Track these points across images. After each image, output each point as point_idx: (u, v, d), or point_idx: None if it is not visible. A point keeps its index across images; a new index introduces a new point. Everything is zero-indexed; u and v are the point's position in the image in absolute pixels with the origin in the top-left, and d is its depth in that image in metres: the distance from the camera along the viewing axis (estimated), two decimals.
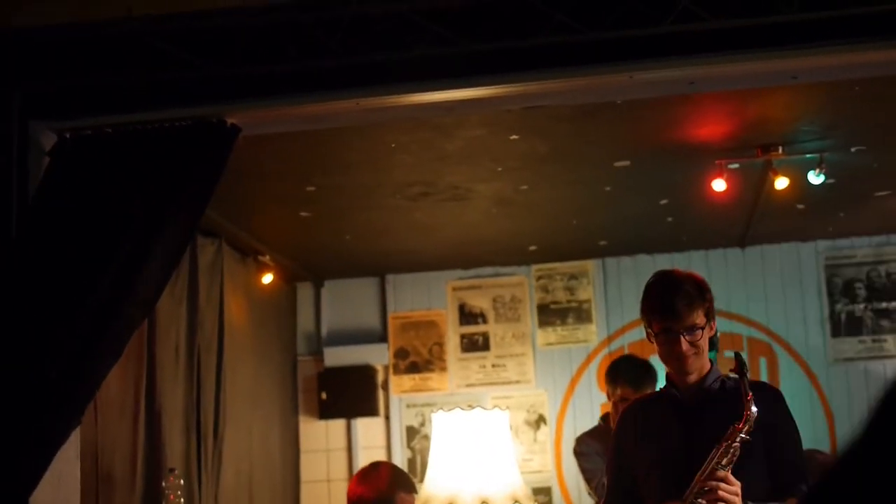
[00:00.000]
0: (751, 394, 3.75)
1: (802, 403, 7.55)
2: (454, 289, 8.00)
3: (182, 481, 4.85)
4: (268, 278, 7.24)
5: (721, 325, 7.55)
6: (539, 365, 7.85)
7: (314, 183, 5.84)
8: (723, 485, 3.71)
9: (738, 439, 3.75)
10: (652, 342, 4.01)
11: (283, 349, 7.89)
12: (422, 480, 6.88)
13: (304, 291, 8.16)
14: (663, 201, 6.55)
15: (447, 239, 7.16)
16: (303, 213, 6.36)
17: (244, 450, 6.86)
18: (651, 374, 6.02)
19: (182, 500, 4.78)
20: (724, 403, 3.96)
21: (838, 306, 7.70)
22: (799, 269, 7.78)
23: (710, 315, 3.94)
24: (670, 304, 3.87)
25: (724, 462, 3.75)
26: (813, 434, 7.47)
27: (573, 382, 7.79)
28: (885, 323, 7.67)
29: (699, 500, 3.73)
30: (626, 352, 7.56)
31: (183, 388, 5.93)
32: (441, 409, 6.85)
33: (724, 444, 3.76)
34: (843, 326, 7.68)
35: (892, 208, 7.04)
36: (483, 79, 3.85)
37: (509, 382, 7.84)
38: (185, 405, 5.92)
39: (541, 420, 7.77)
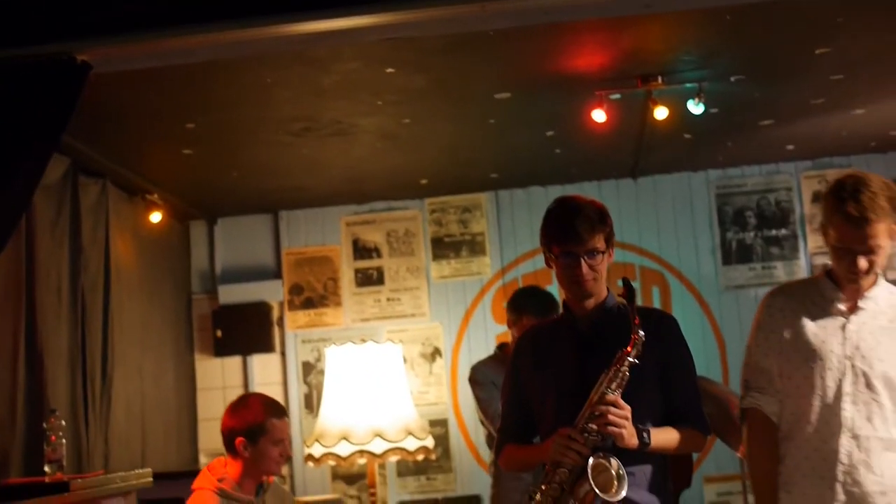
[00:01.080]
0: (638, 318, 3.78)
1: (694, 331, 7.65)
2: (348, 224, 7.98)
3: (64, 422, 4.79)
4: (156, 217, 7.16)
5: (614, 255, 7.65)
6: (433, 298, 7.88)
7: (194, 120, 5.78)
8: (612, 409, 3.73)
9: (626, 364, 3.77)
10: (551, 266, 4.00)
11: (177, 288, 7.82)
12: (318, 415, 6.91)
13: (198, 229, 8.10)
14: (549, 133, 6.56)
15: (337, 174, 7.13)
16: (185, 151, 6.30)
17: (135, 390, 6.81)
18: (554, 304, 6.07)
19: (64, 440, 4.73)
20: (620, 330, 3.97)
21: (729, 235, 7.79)
22: (690, 198, 7.85)
23: (609, 241, 3.93)
24: (571, 228, 3.87)
25: (613, 387, 3.76)
26: (705, 361, 7.58)
27: (468, 315, 7.82)
28: (774, 250, 7.78)
29: (589, 425, 3.75)
30: (521, 284, 7.62)
31: (67, 330, 5.86)
32: (335, 343, 6.87)
33: (613, 369, 3.77)
34: (733, 254, 7.78)
35: (779, 137, 7.12)
36: (342, 10, 3.81)
37: (404, 316, 7.86)
38: (69, 347, 5.85)
39: (436, 353, 7.80)
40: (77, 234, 6.03)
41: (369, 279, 7.93)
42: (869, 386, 3.83)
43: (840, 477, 3.81)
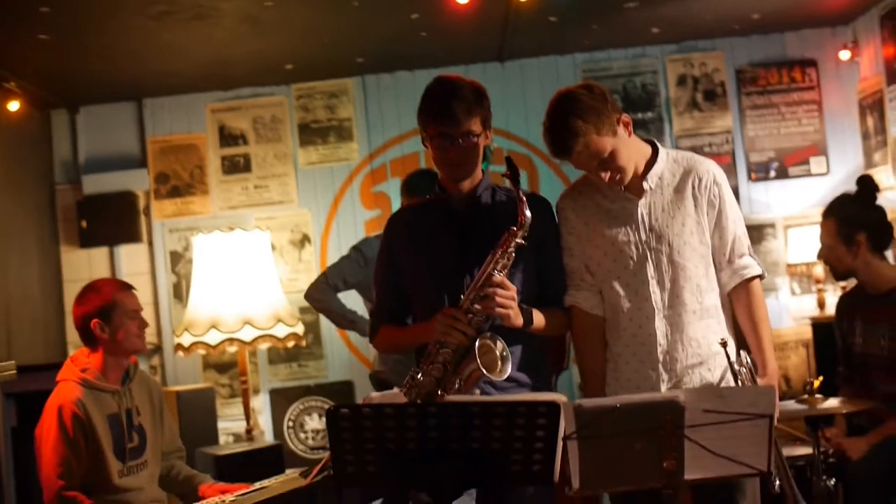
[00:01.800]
0: (525, 198, 3.80)
1: None
2: (213, 111, 7.86)
3: None
4: (14, 105, 6.97)
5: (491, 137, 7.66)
6: (301, 184, 7.83)
7: (48, 3, 5.60)
8: (499, 290, 3.76)
9: (513, 244, 3.80)
10: (427, 147, 4.00)
11: (39, 179, 7.66)
12: (187, 305, 6.87)
13: (59, 118, 7.91)
14: (414, 15, 6.50)
15: (200, 59, 6.99)
16: (41, 36, 6.12)
17: None
18: None
19: None
20: (496, 212, 3.99)
21: None
22: (557, 81, 7.84)
23: (486, 124, 3.95)
24: (448, 108, 3.85)
25: (499, 267, 3.79)
26: None
27: (336, 201, 7.79)
28: (640, 133, 7.76)
29: (475, 306, 3.78)
30: (389, 169, 7.63)
31: None
32: (203, 232, 6.81)
33: (500, 249, 3.80)
34: None
35: (644, 20, 7.15)
36: None
37: (272, 203, 7.81)
38: None
39: (305, 239, 7.78)
40: None
41: (236, 166, 7.84)
42: (672, 263, 3.93)
43: (660, 357, 3.92)
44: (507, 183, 3.83)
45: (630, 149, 3.90)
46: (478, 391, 3.78)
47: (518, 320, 3.82)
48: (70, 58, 6.67)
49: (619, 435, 3.27)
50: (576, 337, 4.14)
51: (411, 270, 4.05)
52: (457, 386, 3.73)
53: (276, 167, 7.83)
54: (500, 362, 3.73)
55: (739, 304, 4.02)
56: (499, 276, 3.77)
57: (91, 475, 4.66)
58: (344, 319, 6.35)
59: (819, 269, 7.34)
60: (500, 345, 3.74)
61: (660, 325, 3.94)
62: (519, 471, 3.25)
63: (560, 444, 3.24)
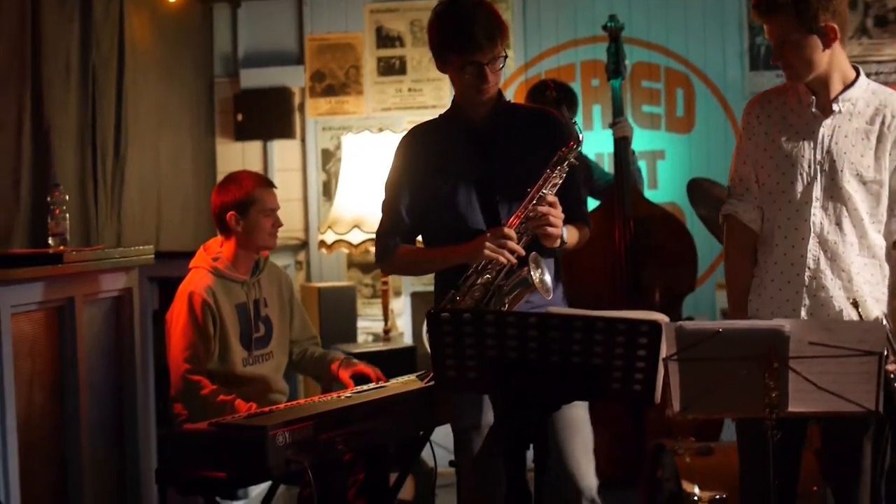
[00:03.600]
0: (574, 119, 3.79)
1: (717, 135, 7.58)
2: (371, 11, 7.86)
3: (68, 197, 4.83)
4: None
5: (640, 55, 7.58)
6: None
7: None
8: (553, 210, 3.74)
9: (566, 163, 3.77)
10: (444, 71, 3.96)
11: (198, 70, 7.78)
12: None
13: (221, 12, 8.00)
14: None
15: None
16: None
17: (151, 170, 6.84)
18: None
19: (68, 215, 4.78)
20: (517, 127, 3.96)
21: (758, 39, 7.60)
22: (721, 2, 7.66)
23: (505, 43, 3.91)
24: (472, 37, 3.79)
25: (549, 187, 3.77)
26: (725, 167, 7.36)
27: None
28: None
29: (523, 225, 3.76)
30: (543, 77, 7.53)
31: (76, 106, 5.84)
32: (354, 132, 6.86)
33: (555, 169, 3.77)
34: (761, 60, 7.60)
35: None
36: None
37: (426, 107, 7.79)
38: (78, 124, 5.85)
39: None
40: (89, 10, 5.96)
41: (391, 68, 7.85)
42: (839, 190, 3.82)
43: (806, 281, 3.83)
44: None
45: (817, 55, 3.79)
46: None
47: (558, 241, 3.80)
48: None
49: (721, 360, 3.22)
50: (727, 248, 4.10)
51: (431, 190, 3.99)
52: (504, 307, 3.71)
53: (431, 71, 7.79)
54: (541, 283, 3.71)
55: (891, 261, 3.90)
56: (551, 196, 3.74)
57: (217, 361, 4.79)
58: None
59: None
60: (542, 266, 3.73)
61: (812, 248, 3.86)
62: (619, 389, 3.24)
63: (661, 365, 3.21)
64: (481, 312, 3.41)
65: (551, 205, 3.75)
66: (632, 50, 6.72)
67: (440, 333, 3.30)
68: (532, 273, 3.69)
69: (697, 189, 5.87)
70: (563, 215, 3.79)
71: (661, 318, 3.22)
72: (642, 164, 6.95)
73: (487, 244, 3.76)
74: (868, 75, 7.23)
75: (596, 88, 7.58)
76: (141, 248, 5.20)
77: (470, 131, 3.99)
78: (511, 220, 3.80)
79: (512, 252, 3.74)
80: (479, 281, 3.79)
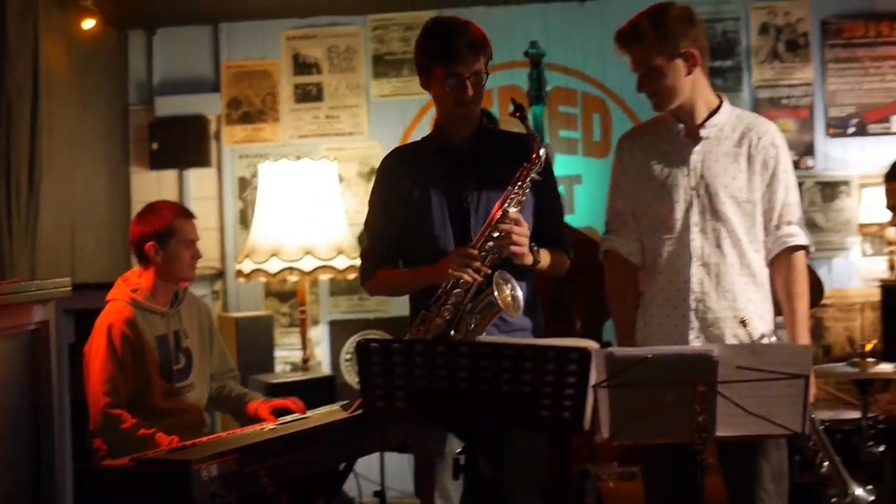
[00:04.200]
0: (537, 134, 3.82)
1: None
2: (288, 38, 7.83)
3: None
4: (89, 24, 6.98)
5: (557, 80, 7.60)
6: (373, 116, 7.79)
7: None
8: (515, 227, 3.76)
9: (528, 179, 3.79)
10: (427, 88, 3.99)
11: (113, 98, 7.68)
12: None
13: (136, 40, 7.92)
14: None
15: None
16: None
17: (65, 200, 6.73)
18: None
19: None
20: (497, 149, 4.00)
21: None
22: None
23: (488, 63, 3.96)
24: (456, 49, 3.85)
25: (513, 204, 3.78)
26: None
27: (406, 134, 7.73)
28: (718, 81, 7.66)
29: (488, 244, 3.76)
30: None
31: None
32: (271, 159, 6.81)
33: (517, 185, 3.79)
34: None
35: None
36: None
37: (343, 134, 7.78)
38: None
39: (373, 172, 7.68)
40: (3, 39, 5.85)
41: (308, 95, 7.82)
42: (715, 213, 3.90)
43: (692, 305, 3.89)
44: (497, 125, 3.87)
45: (680, 81, 3.89)
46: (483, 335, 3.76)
47: (529, 258, 3.83)
48: None
49: (651, 386, 3.22)
50: (609, 283, 4.15)
51: (413, 213, 4.01)
52: (471, 326, 3.71)
53: (348, 98, 7.79)
54: (512, 301, 3.71)
55: (779, 273, 3.97)
56: (514, 213, 3.76)
57: (137, 394, 4.71)
58: None
59: (893, 231, 7.17)
60: (511, 283, 3.73)
61: (696, 272, 3.91)
62: (548, 416, 3.22)
63: (591, 391, 3.20)
64: (410, 342, 3.38)
65: (515, 221, 3.77)
66: (549, 75, 6.75)
67: (369, 364, 3.26)
68: (496, 292, 3.68)
69: None
70: (527, 233, 3.80)
71: (590, 344, 3.21)
72: (560, 189, 6.96)
73: (451, 263, 3.76)
74: (780, 99, 7.41)
75: (509, 112, 7.56)
76: (58, 280, 5.07)
77: (449, 154, 4.00)
78: (476, 238, 3.80)
79: (477, 271, 3.74)
80: (449, 301, 3.78)
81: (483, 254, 3.77)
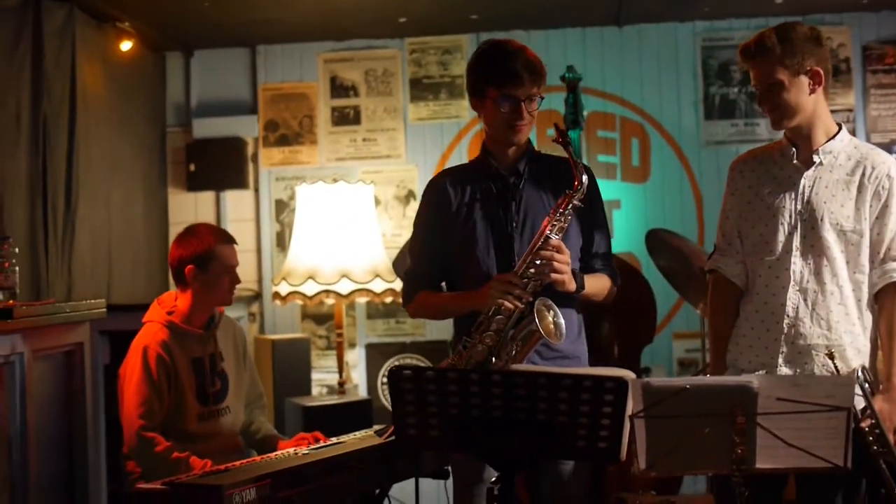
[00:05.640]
0: (580, 162, 3.80)
1: (672, 185, 7.59)
2: (326, 61, 7.83)
3: (17, 249, 4.73)
4: (126, 45, 7.01)
5: (595, 104, 7.58)
6: (410, 140, 7.77)
7: None
8: (556, 254, 3.73)
9: (570, 206, 3.77)
10: (478, 109, 3.97)
11: (151, 120, 7.70)
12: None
13: (174, 61, 7.94)
14: None
15: (312, 8, 6.94)
16: None
17: (102, 221, 6.75)
18: None
19: (17, 268, 4.68)
20: (544, 175, 3.97)
21: (713, 89, 7.65)
22: (675, 49, 7.68)
23: (544, 82, 3.96)
24: (514, 71, 3.84)
25: (555, 231, 3.75)
26: (681, 215, 7.53)
27: (444, 158, 7.72)
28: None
29: (530, 271, 3.74)
30: None
31: (26, 157, 5.77)
32: (308, 182, 6.81)
33: (558, 212, 3.76)
34: (716, 109, 7.64)
35: None
36: None
37: (380, 157, 7.76)
38: (28, 174, 5.77)
39: (410, 195, 7.72)
40: (39, 60, 5.90)
41: (346, 118, 7.81)
42: (819, 240, 3.84)
43: (785, 329, 3.85)
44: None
45: (803, 98, 3.87)
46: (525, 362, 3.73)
47: (572, 285, 3.79)
48: (182, 0, 6.67)
49: (688, 416, 3.17)
50: (711, 302, 4.14)
51: (457, 236, 3.99)
52: (513, 353, 3.68)
53: (386, 121, 7.78)
54: (555, 328, 3.68)
55: (883, 308, 3.90)
56: (556, 240, 3.73)
57: (171, 417, 4.70)
58: None
59: None
60: (554, 310, 3.70)
61: (792, 297, 3.88)
62: (585, 446, 3.18)
63: (627, 422, 3.16)
64: (443, 370, 3.34)
65: (556, 249, 3.74)
66: (587, 99, 6.73)
67: (401, 391, 3.23)
68: (537, 320, 3.65)
69: (656, 239, 5.87)
70: (569, 260, 3.76)
71: (627, 374, 3.17)
72: None
73: (493, 290, 3.74)
74: None
75: (551, 138, 7.55)
76: (92, 301, 5.08)
77: (495, 179, 3.98)
78: (518, 265, 3.78)
79: (518, 298, 3.71)
80: (491, 328, 3.76)
81: (525, 280, 3.74)
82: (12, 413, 4.45)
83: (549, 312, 3.70)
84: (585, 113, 6.55)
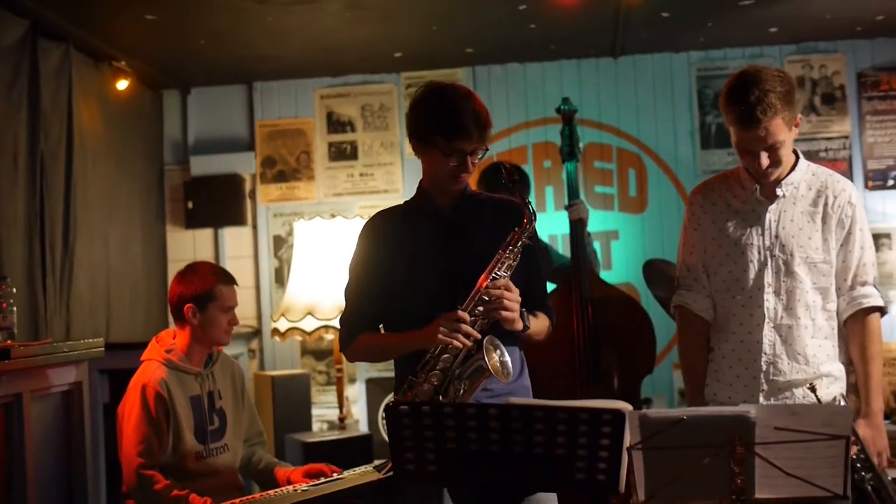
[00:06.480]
0: (528, 200, 3.77)
1: (670, 215, 7.59)
2: (322, 96, 7.85)
3: (15, 290, 4.72)
4: (122, 84, 7.03)
5: (591, 135, 7.60)
6: (407, 174, 7.78)
7: None
8: (506, 293, 3.69)
9: (520, 244, 3.73)
10: (418, 154, 3.90)
11: (148, 157, 7.73)
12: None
13: (171, 99, 7.98)
14: (522, 7, 6.38)
15: (307, 45, 6.97)
16: (148, 16, 6.15)
17: (100, 259, 6.75)
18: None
19: (15, 308, 4.68)
20: (485, 214, 3.93)
21: (709, 118, 7.67)
22: (671, 79, 7.71)
23: (489, 133, 3.86)
24: (464, 124, 3.75)
25: (504, 269, 3.72)
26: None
27: None
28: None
29: (478, 309, 3.69)
30: (495, 160, 7.52)
31: (24, 196, 5.78)
32: (306, 218, 6.81)
33: (507, 250, 3.73)
34: (712, 138, 7.66)
35: (761, 19, 6.95)
36: None
37: (377, 192, 7.78)
38: (26, 213, 5.78)
39: None
40: (36, 99, 5.92)
41: (343, 153, 7.83)
42: (791, 274, 3.83)
43: (763, 367, 3.85)
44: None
45: (790, 149, 3.84)
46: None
47: (519, 324, 3.74)
48: (175, 38, 6.70)
49: (687, 447, 3.15)
50: (681, 337, 4.13)
51: (399, 275, 3.90)
52: (460, 392, 3.64)
53: (383, 156, 7.80)
54: (501, 366, 3.64)
55: (853, 335, 3.91)
56: (504, 279, 3.69)
57: (170, 455, 4.67)
58: None
59: None
60: (501, 348, 3.66)
61: (768, 334, 3.88)
62: (583, 479, 3.16)
63: (625, 454, 3.14)
64: (440, 405, 3.32)
65: (505, 287, 3.69)
66: (583, 130, 6.74)
67: (399, 426, 3.21)
68: (486, 358, 3.62)
69: (653, 270, 5.86)
70: (518, 298, 3.72)
71: (624, 406, 3.16)
72: (596, 245, 6.93)
73: (441, 328, 3.67)
74: (818, 152, 7.35)
75: (548, 170, 7.60)
76: (90, 340, 5.08)
77: (436, 219, 3.92)
78: (465, 303, 3.72)
79: (466, 335, 3.66)
80: (437, 367, 3.70)
81: (472, 318, 3.70)
82: (11, 453, 4.44)
83: (495, 351, 3.66)
84: (582, 144, 6.52)
